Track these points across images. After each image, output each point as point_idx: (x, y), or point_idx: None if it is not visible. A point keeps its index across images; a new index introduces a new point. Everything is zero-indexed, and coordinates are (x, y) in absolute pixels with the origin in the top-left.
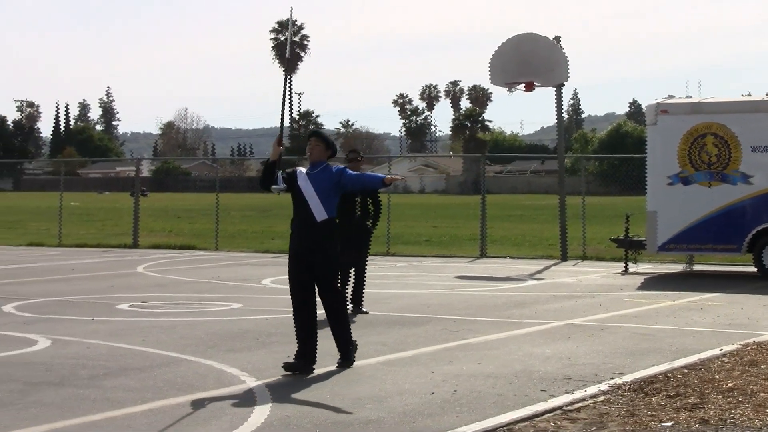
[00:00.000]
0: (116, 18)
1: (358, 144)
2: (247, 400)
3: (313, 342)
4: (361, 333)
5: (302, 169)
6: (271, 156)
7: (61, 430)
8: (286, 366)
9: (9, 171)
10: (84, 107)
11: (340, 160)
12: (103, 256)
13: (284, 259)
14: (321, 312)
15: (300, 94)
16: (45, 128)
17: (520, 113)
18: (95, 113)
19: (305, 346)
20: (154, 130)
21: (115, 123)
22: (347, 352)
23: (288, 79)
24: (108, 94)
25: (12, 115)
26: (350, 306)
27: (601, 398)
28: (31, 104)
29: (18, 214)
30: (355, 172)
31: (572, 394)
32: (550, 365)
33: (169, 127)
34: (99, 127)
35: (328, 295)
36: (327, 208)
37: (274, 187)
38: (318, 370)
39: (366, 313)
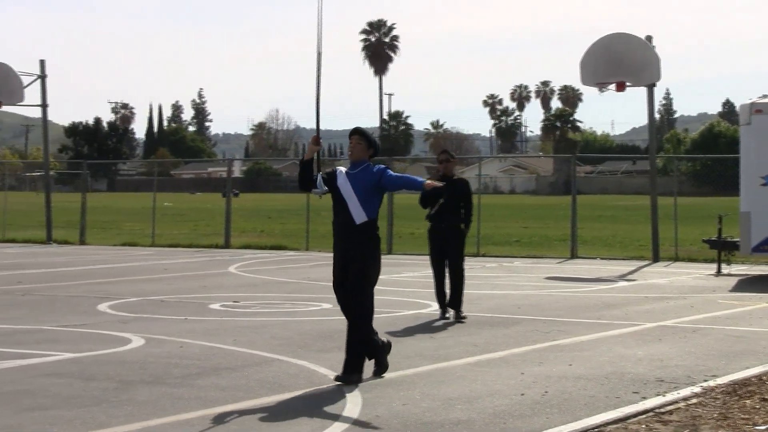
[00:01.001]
0: (208, 20)
1: (448, 145)
2: (337, 399)
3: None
4: (451, 333)
5: (342, 169)
6: (306, 155)
7: (154, 428)
8: (338, 378)
9: (104, 172)
10: (177, 108)
11: (436, 160)
12: (195, 256)
13: None
14: (388, 315)
15: (390, 94)
16: (139, 129)
17: (611, 113)
18: (188, 114)
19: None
20: (246, 131)
21: (207, 124)
22: (351, 366)
23: (319, 75)
24: (200, 96)
25: (107, 117)
26: (450, 311)
27: (694, 401)
28: (125, 106)
29: (112, 215)
30: (396, 174)
31: (664, 396)
32: (641, 367)
33: (260, 128)
34: (191, 128)
35: (355, 300)
36: (367, 210)
37: (315, 190)
38: (408, 370)
39: (464, 320)
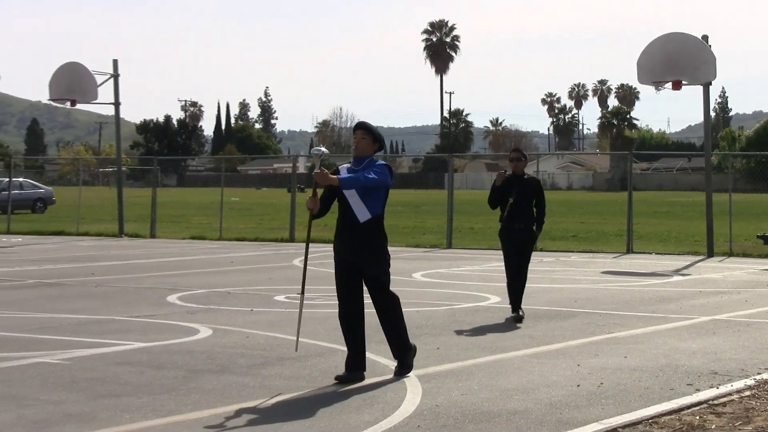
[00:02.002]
0: (274, 20)
1: (507, 142)
2: (397, 389)
3: (362, 347)
4: (509, 326)
5: (346, 166)
6: (313, 214)
7: (221, 415)
8: (339, 378)
9: (173, 167)
10: (244, 106)
11: (508, 158)
12: (261, 249)
13: (436, 254)
14: (447, 307)
15: (450, 93)
16: (207, 127)
17: (668, 111)
18: (254, 112)
19: (354, 352)
20: (310, 128)
21: (273, 121)
22: (404, 358)
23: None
24: (266, 94)
25: (176, 114)
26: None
27: (747, 393)
28: (194, 104)
29: (181, 209)
30: (372, 176)
31: (718, 388)
32: (695, 360)
33: (324, 125)
34: (258, 126)
35: (380, 297)
36: (370, 207)
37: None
38: (467, 361)
39: (522, 318)
